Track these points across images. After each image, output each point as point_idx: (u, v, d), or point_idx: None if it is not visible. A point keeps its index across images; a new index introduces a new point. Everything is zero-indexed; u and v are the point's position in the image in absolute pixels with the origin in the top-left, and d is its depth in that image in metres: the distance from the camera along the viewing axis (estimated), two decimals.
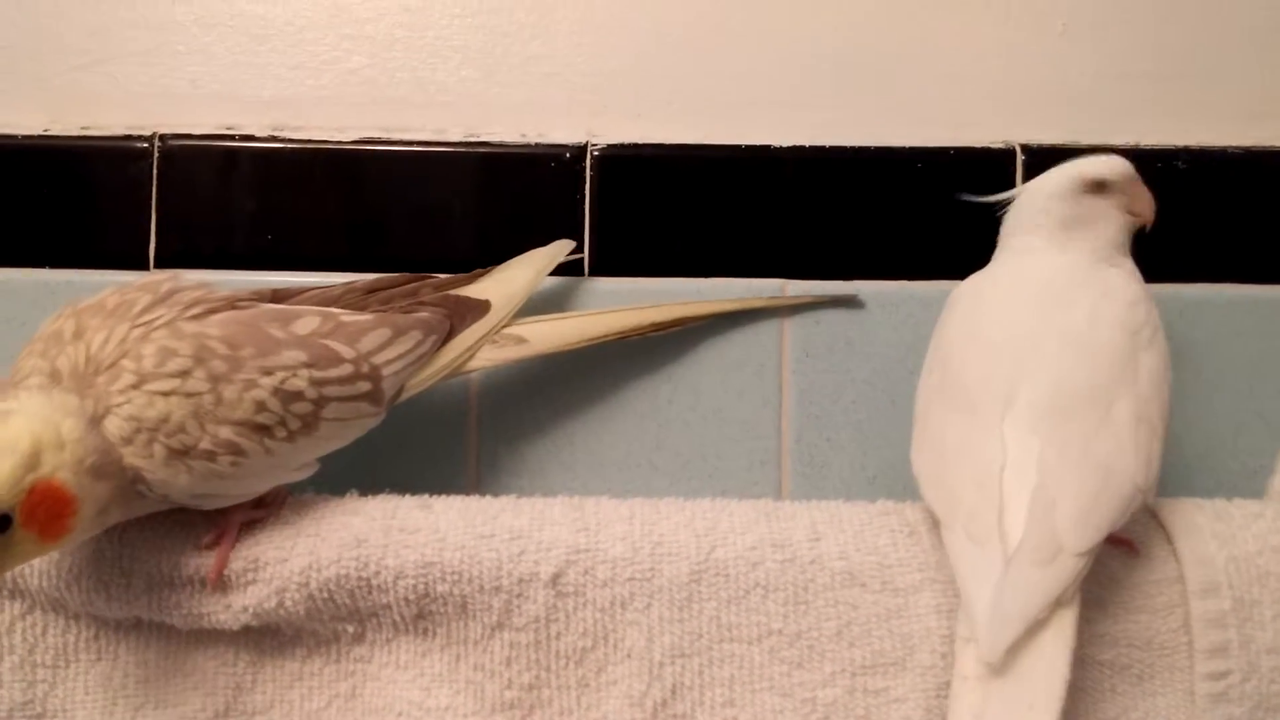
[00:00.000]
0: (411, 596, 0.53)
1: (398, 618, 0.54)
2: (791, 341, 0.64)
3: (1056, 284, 0.54)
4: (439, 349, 0.57)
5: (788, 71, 0.65)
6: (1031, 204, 0.56)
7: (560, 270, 0.64)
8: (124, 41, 0.65)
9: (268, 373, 0.50)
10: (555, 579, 0.53)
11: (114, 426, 0.48)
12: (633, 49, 0.65)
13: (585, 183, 0.64)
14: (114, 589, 0.52)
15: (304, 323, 0.53)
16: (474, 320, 0.58)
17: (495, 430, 0.64)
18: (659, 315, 0.61)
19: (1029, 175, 0.63)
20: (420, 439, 0.63)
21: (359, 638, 0.54)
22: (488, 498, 0.56)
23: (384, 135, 0.65)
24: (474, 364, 0.58)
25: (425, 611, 0.54)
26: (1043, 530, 0.48)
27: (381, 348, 0.54)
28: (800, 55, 0.65)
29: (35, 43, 0.65)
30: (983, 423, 0.50)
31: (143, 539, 0.53)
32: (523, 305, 0.60)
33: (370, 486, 0.58)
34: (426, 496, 0.56)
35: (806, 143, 0.64)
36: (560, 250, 0.62)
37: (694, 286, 0.64)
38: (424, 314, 0.57)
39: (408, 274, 0.60)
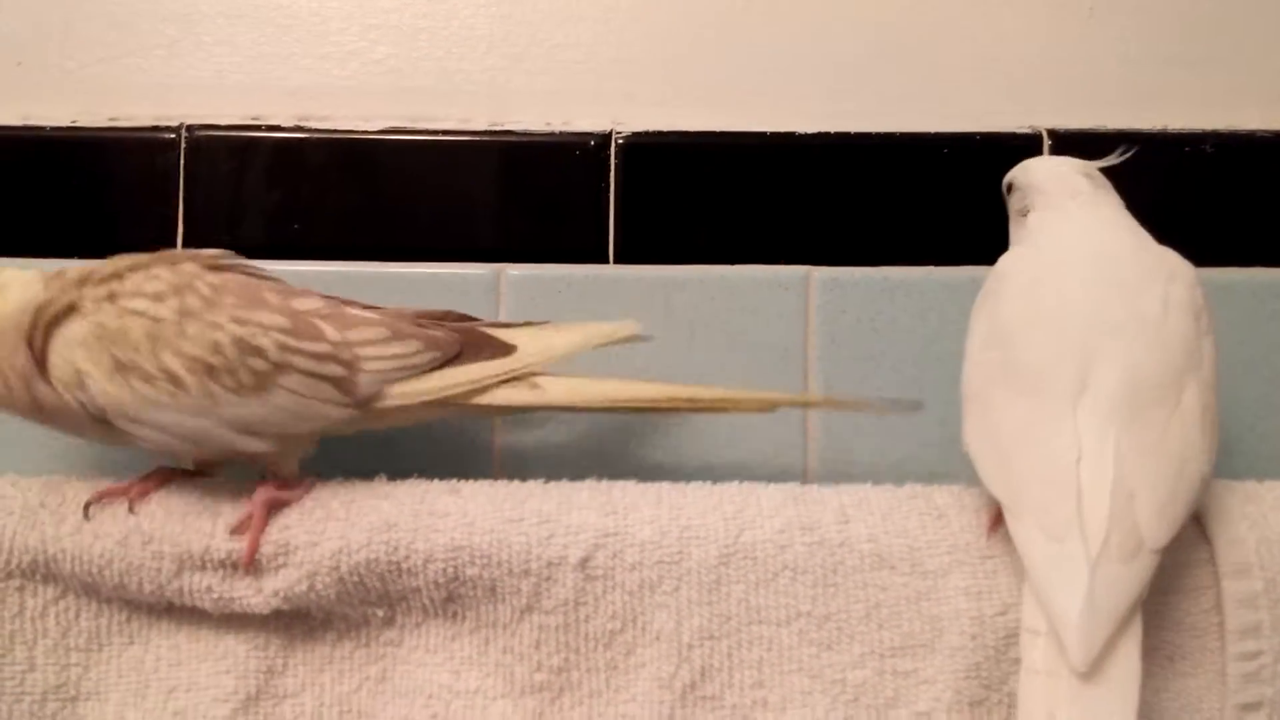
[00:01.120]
0: (441, 580, 0.53)
1: (427, 601, 0.54)
2: (816, 327, 0.64)
3: (1121, 263, 0.52)
4: (440, 368, 0.55)
5: (813, 58, 0.65)
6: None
7: (584, 258, 0.64)
8: (150, 33, 0.66)
9: (239, 323, 0.51)
10: (584, 562, 0.53)
11: (76, 328, 0.51)
12: (657, 37, 0.66)
13: (610, 171, 0.64)
14: (146, 573, 0.53)
15: (305, 300, 0.54)
16: (491, 356, 0.56)
17: (519, 417, 0.64)
18: (687, 394, 0.57)
19: None
20: (444, 427, 0.64)
21: (389, 621, 0.55)
22: (515, 482, 0.56)
23: (409, 125, 0.65)
24: (486, 401, 0.56)
25: (454, 595, 0.54)
26: (1125, 525, 0.46)
27: (371, 343, 0.54)
28: (825, 42, 0.65)
29: (62, 35, 0.66)
30: (1052, 409, 0.49)
31: (172, 522, 0.54)
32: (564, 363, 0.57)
33: (395, 474, 0.59)
34: (455, 481, 0.56)
35: (832, 129, 0.64)
36: (618, 331, 0.58)
37: (719, 274, 0.64)
38: (436, 332, 0.55)
39: (460, 314, 0.58)
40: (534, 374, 0.56)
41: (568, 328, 0.58)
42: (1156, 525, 0.47)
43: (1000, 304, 0.53)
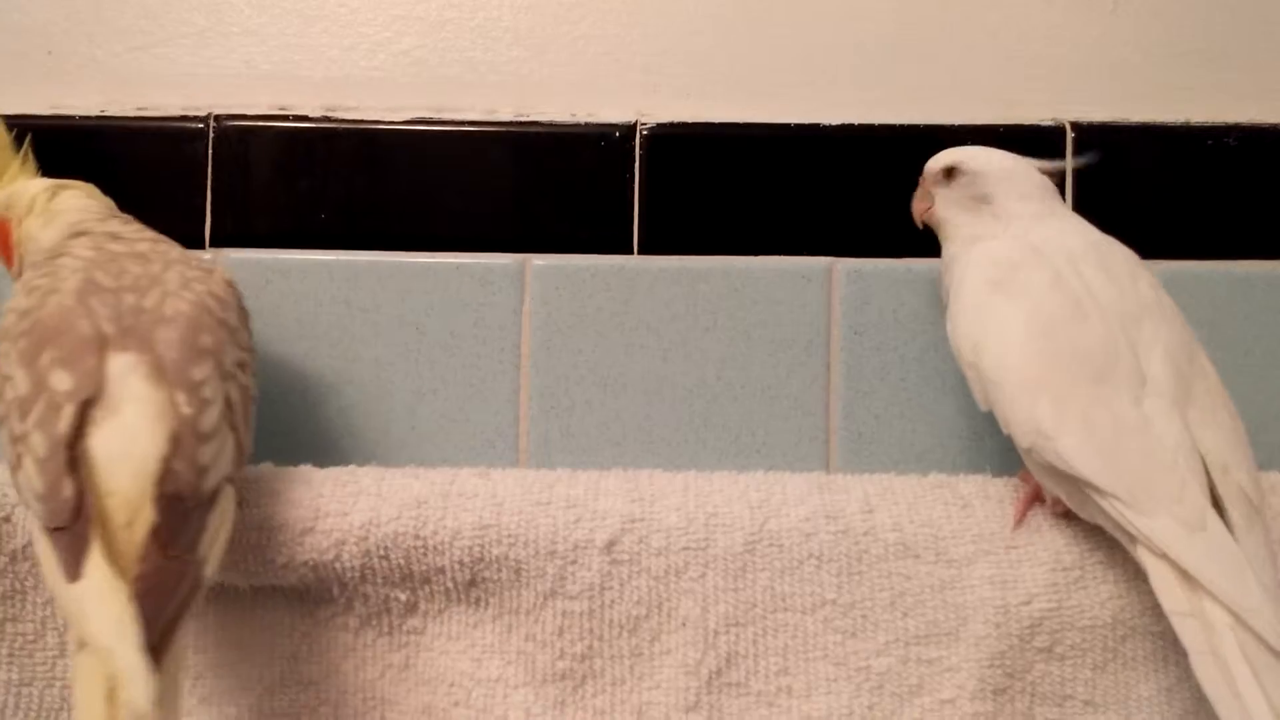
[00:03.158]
0: (466, 559, 0.53)
1: (450, 584, 0.54)
2: (840, 319, 0.64)
3: (1107, 255, 0.54)
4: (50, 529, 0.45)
5: (837, 50, 0.66)
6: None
7: (609, 248, 0.64)
8: (178, 23, 0.66)
9: (7, 362, 0.48)
10: (610, 545, 0.53)
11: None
12: (682, 28, 0.66)
13: (635, 162, 0.65)
14: None
15: (68, 376, 0.47)
16: (65, 560, 0.44)
17: (544, 407, 0.64)
18: None
19: (1079, 152, 0.63)
20: (470, 416, 0.64)
21: (412, 608, 0.55)
22: (544, 470, 0.57)
23: (435, 115, 0.66)
24: None
25: (478, 578, 0.54)
26: (1234, 495, 0.49)
27: (33, 456, 0.46)
28: (849, 33, 0.66)
29: (91, 25, 0.66)
30: (1131, 398, 0.50)
31: None
32: None
33: (421, 463, 0.59)
34: (484, 467, 0.56)
35: (856, 120, 0.65)
36: (125, 687, 0.42)
37: (743, 265, 0.64)
38: (67, 487, 0.45)
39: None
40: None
41: (116, 615, 0.43)
42: (1252, 483, 0.49)
43: (1028, 295, 0.53)
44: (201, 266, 0.53)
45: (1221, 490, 0.49)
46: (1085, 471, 0.49)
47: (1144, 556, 0.49)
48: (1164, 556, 0.48)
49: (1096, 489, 0.49)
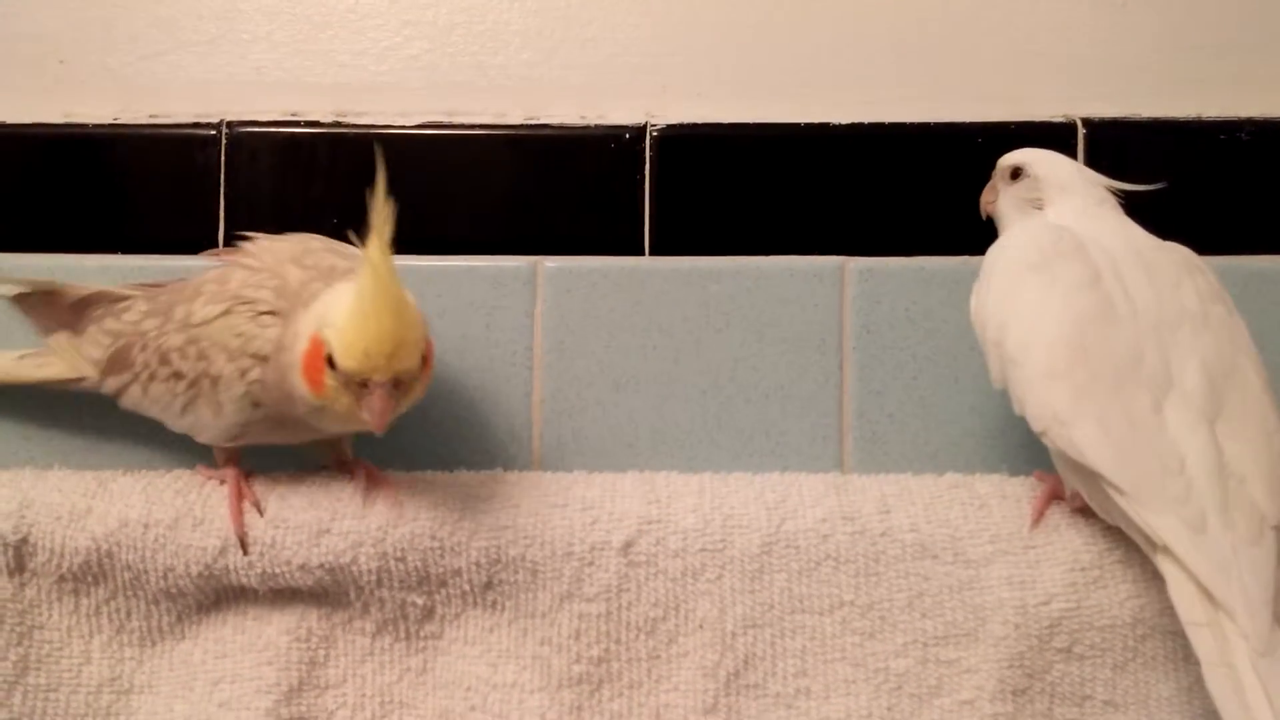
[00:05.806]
0: (483, 561, 0.54)
1: (467, 586, 0.54)
2: (852, 318, 0.64)
3: (1154, 262, 0.53)
4: None
5: (846, 49, 0.66)
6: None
7: (620, 249, 0.64)
8: (189, 31, 0.67)
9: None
10: (627, 547, 0.53)
11: None
12: (691, 30, 0.66)
13: (645, 163, 0.65)
14: (193, 553, 0.54)
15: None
16: None
17: (557, 409, 0.64)
18: None
19: (1090, 149, 0.63)
20: (483, 419, 0.64)
21: (429, 613, 0.55)
22: (560, 473, 0.57)
23: (446, 119, 0.66)
24: None
25: (495, 580, 0.54)
26: (1245, 508, 0.48)
27: None
28: (859, 32, 0.66)
29: (103, 34, 0.67)
30: (1152, 403, 0.50)
31: (223, 504, 0.55)
32: None
33: (436, 467, 0.59)
34: (500, 470, 0.56)
35: (866, 119, 0.64)
36: None
37: (754, 265, 0.64)
38: None
39: None
40: None
41: None
42: (1271, 501, 0.49)
43: (1064, 287, 0.52)
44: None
45: (1233, 501, 0.48)
46: (1096, 461, 0.49)
47: (1164, 564, 0.49)
48: (1171, 555, 0.48)
49: (1106, 481, 0.49)
